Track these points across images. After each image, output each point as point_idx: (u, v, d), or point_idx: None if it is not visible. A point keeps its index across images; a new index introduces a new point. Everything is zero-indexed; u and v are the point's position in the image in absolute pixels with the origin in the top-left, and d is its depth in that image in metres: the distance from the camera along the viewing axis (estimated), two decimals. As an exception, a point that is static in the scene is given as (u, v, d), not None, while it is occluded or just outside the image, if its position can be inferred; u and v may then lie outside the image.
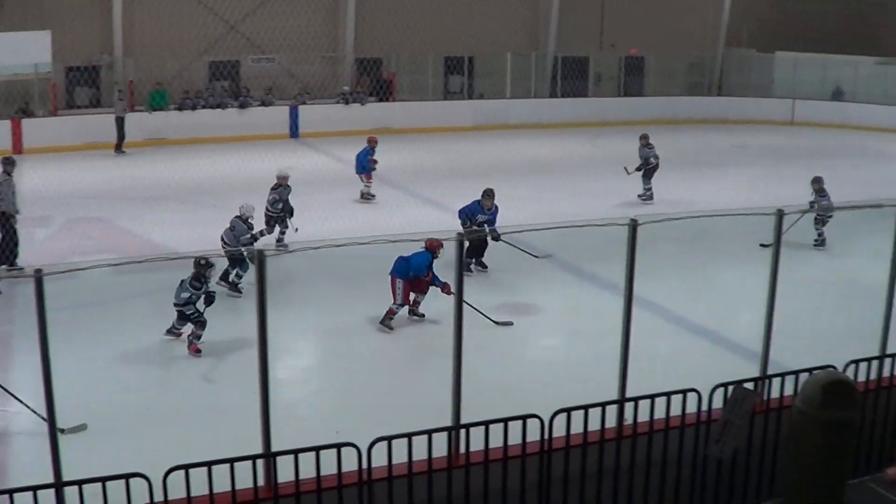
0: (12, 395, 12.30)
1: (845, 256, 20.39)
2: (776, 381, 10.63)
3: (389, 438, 8.87)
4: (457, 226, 18.88)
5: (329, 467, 8.69)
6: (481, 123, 39.59)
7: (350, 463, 8.74)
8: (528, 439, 9.35)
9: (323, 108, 38.06)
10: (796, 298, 17.79)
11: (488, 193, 19.07)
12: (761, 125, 43.82)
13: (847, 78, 47.43)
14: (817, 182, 21.61)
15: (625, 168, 26.30)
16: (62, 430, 9.44)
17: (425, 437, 9.01)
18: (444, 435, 9.29)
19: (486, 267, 19.27)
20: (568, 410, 9.43)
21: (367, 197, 25.93)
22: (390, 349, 15.94)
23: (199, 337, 15.30)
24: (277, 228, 20.30)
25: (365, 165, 26.06)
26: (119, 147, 33.17)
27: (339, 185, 26.91)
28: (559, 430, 9.45)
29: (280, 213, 20.37)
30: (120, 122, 33.08)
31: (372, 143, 26.44)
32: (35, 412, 11.31)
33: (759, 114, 45.36)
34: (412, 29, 39.05)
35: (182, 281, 15.23)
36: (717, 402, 9.93)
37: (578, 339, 16.51)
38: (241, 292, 17.73)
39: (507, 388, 13.57)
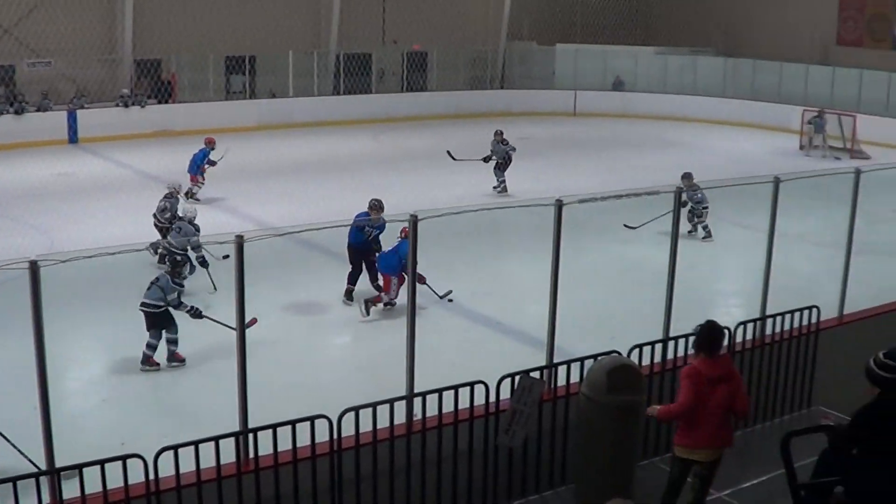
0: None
1: (629, 243, 20.83)
2: (562, 369, 10.77)
3: (176, 447, 8.67)
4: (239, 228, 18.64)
5: (115, 480, 8.46)
6: (265, 123, 39.21)
7: (136, 475, 8.52)
8: (318, 440, 9.25)
9: (102, 112, 36.90)
10: (582, 286, 18.21)
11: (375, 205, 18.00)
12: (544, 117, 44.57)
13: (627, 68, 48.61)
14: (687, 178, 22.22)
15: (448, 152, 27.53)
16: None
17: (212, 443, 8.85)
18: (233, 440, 9.15)
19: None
20: (356, 409, 9.37)
21: (193, 198, 25.12)
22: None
23: (176, 342, 14.85)
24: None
25: (199, 166, 25.54)
26: None
27: (123, 190, 26.34)
28: (349, 429, 9.40)
29: (168, 223, 19.52)
30: None
31: (210, 144, 25.88)
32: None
33: (542, 106, 46.12)
34: (192, 29, 38.38)
35: (154, 283, 14.68)
36: (506, 393, 10.01)
37: (366, 337, 16.46)
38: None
39: (295, 389, 13.48)
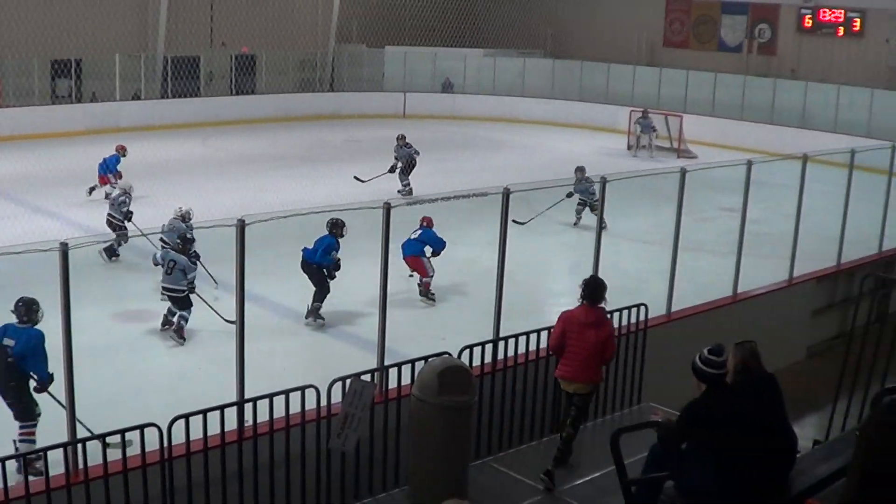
0: None
1: (459, 244, 20.90)
2: (393, 371, 10.77)
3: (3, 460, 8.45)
4: (63, 235, 18.20)
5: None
6: (92, 127, 38.34)
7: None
8: (148, 449, 9.09)
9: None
10: (413, 289, 18.28)
11: (337, 224, 17.39)
12: (374, 119, 44.56)
13: (456, 70, 48.90)
14: (580, 171, 23.81)
15: (355, 177, 28.06)
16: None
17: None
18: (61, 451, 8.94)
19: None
20: (186, 416, 9.24)
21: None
22: None
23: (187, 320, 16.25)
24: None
25: (114, 170, 25.77)
26: None
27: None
28: (179, 437, 9.25)
29: (123, 219, 20.27)
30: None
31: (121, 151, 26.23)
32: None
33: (372, 108, 46.16)
34: (15, 32, 37.33)
35: (174, 268, 16.04)
36: (337, 397, 9.96)
37: (197, 343, 16.22)
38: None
39: (124, 397, 13.23)
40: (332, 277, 17.11)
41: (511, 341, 11.74)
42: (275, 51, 45.14)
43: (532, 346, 11.96)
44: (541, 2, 48.90)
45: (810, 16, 45.10)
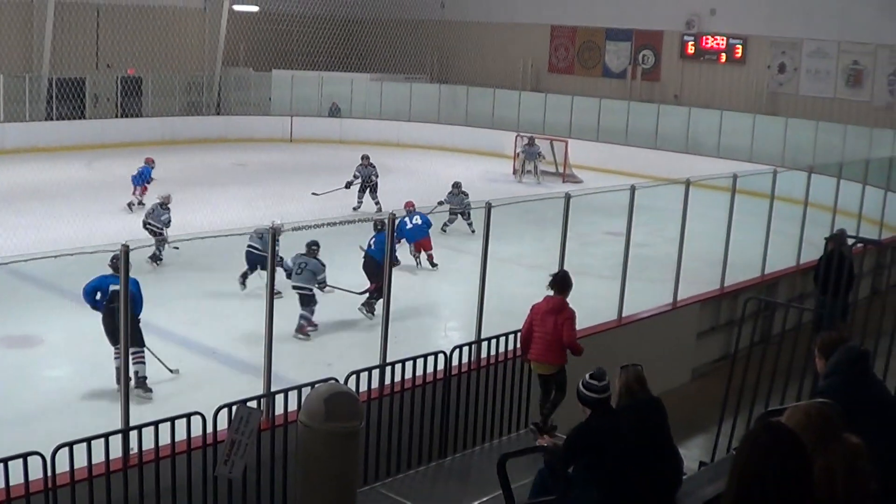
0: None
1: (345, 269, 20.85)
2: (280, 397, 10.73)
3: None
4: None
5: None
6: (-28, 149, 37.74)
7: None
8: (31, 478, 8.93)
9: None
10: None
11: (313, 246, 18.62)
12: (261, 143, 44.43)
13: (343, 94, 48.88)
14: (457, 186, 27.79)
15: (313, 193, 29.42)
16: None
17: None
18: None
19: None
20: (70, 444, 9.10)
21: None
22: None
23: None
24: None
25: (146, 180, 28.68)
26: None
27: None
28: (63, 465, 9.11)
29: (162, 227, 22.77)
30: None
31: (149, 163, 29.09)
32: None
33: (259, 132, 46.03)
34: None
35: (305, 268, 17.82)
36: (223, 423, 9.89)
37: (79, 370, 15.98)
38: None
39: (4, 425, 13.00)
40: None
41: (398, 366, 11.76)
42: (161, 73, 44.72)
43: (419, 372, 11.99)
44: (427, 28, 49.07)
45: (693, 42, 45.84)
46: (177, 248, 21.42)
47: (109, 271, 14.16)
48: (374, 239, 18.95)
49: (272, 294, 10.80)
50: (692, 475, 8.72)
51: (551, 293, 12.49)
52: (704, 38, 45.48)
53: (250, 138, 45.31)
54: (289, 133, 46.44)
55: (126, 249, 9.59)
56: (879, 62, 40.28)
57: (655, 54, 47.46)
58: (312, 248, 18.10)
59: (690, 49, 46.02)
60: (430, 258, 22.88)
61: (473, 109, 47.60)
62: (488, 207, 12.99)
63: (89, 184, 32.91)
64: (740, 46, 44.44)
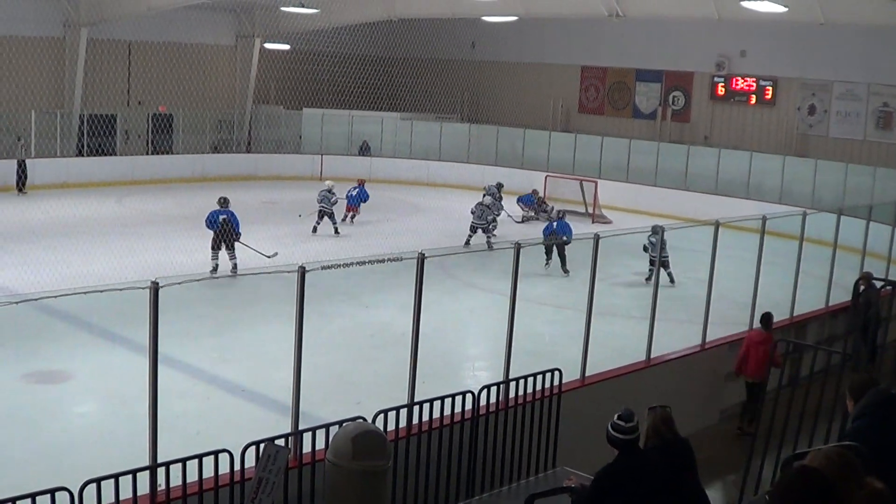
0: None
1: (374, 308, 20.89)
2: (307, 436, 10.70)
3: None
4: None
5: None
6: (6, 185, 37.88)
7: None
8: (58, 515, 8.94)
9: None
10: (328, 351, 18.20)
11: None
12: (290, 181, 44.52)
13: (373, 133, 49.07)
14: (499, 188, 32.76)
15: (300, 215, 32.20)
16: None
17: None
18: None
19: None
20: (98, 480, 9.10)
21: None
22: None
23: None
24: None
25: (360, 199, 34.85)
26: None
27: None
28: (90, 501, 9.10)
29: (331, 207, 31.86)
30: None
31: (360, 184, 35.67)
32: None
33: (288, 170, 46.23)
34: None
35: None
36: (251, 461, 9.87)
37: (111, 406, 16.01)
38: None
39: (34, 459, 13.02)
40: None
41: (426, 406, 11.74)
42: (192, 110, 45.00)
43: (447, 411, 11.95)
44: (458, 67, 49.22)
45: (723, 84, 45.91)
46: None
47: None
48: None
49: (300, 333, 10.79)
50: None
51: (760, 327, 16.85)
52: (734, 79, 45.55)
53: (279, 176, 45.52)
54: (318, 171, 46.55)
55: (155, 287, 9.60)
56: (909, 105, 40.26)
57: (686, 95, 47.52)
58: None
59: (721, 90, 46.11)
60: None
61: (503, 149, 47.70)
62: (517, 248, 12.98)
63: (120, 220, 33.09)
64: (770, 88, 44.48)
